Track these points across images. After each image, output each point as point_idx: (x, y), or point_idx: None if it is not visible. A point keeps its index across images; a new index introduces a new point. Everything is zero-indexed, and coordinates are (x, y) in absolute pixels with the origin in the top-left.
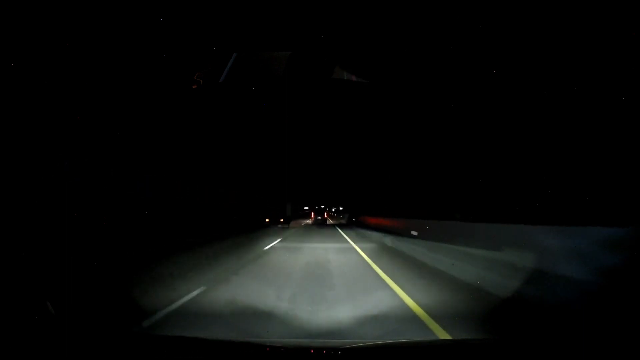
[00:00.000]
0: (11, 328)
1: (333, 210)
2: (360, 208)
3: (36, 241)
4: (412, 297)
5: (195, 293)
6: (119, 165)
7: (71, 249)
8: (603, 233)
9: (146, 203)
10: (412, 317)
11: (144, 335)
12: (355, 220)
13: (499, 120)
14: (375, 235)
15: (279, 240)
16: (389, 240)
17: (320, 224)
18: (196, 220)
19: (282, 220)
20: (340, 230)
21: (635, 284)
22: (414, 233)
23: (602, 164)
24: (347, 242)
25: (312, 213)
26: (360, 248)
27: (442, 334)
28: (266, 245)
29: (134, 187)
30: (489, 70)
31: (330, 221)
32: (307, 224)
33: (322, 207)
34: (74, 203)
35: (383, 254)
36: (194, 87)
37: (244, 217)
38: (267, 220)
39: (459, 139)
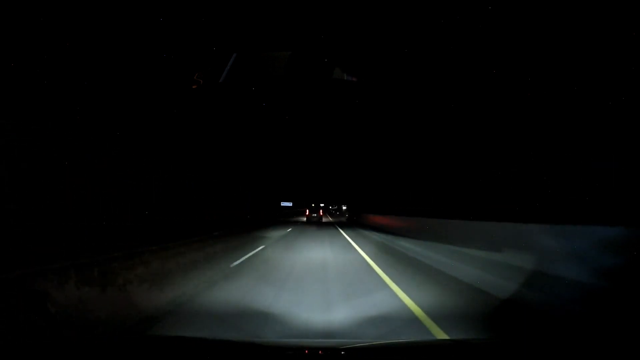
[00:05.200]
0: (11, 328)
1: (336, 207)
2: (362, 206)
3: (36, 241)
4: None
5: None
6: (119, 165)
7: (71, 249)
8: (603, 233)
9: (148, 204)
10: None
11: (143, 335)
12: (355, 218)
13: (498, 119)
14: (376, 234)
15: None
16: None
17: (317, 222)
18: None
19: None
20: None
21: (636, 285)
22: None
23: (602, 164)
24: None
25: (307, 210)
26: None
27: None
28: None
29: (138, 188)
30: (489, 70)
31: (329, 218)
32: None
33: (319, 204)
34: (73, 203)
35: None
36: (194, 87)
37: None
38: None
39: (460, 138)
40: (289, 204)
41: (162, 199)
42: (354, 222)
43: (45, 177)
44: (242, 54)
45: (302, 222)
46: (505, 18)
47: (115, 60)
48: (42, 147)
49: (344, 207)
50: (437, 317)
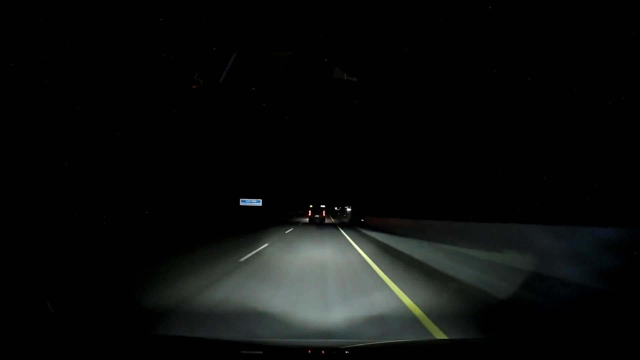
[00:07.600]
0: (11, 328)
1: (340, 208)
2: (364, 207)
3: (36, 241)
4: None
5: None
6: (119, 165)
7: (71, 248)
8: (603, 234)
9: (148, 204)
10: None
11: (143, 335)
12: (357, 219)
13: (498, 119)
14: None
15: None
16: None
17: (319, 224)
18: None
19: None
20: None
21: (636, 287)
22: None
23: (602, 164)
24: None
25: (310, 211)
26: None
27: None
28: None
29: (138, 188)
30: (489, 70)
31: (331, 220)
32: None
33: (319, 205)
34: (73, 203)
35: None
36: (194, 87)
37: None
38: None
39: (460, 139)
40: (256, 203)
41: (162, 199)
42: (357, 223)
43: (45, 177)
44: (242, 54)
45: (303, 224)
46: (505, 18)
47: (115, 60)
48: (42, 147)
49: (348, 209)
50: (437, 317)
